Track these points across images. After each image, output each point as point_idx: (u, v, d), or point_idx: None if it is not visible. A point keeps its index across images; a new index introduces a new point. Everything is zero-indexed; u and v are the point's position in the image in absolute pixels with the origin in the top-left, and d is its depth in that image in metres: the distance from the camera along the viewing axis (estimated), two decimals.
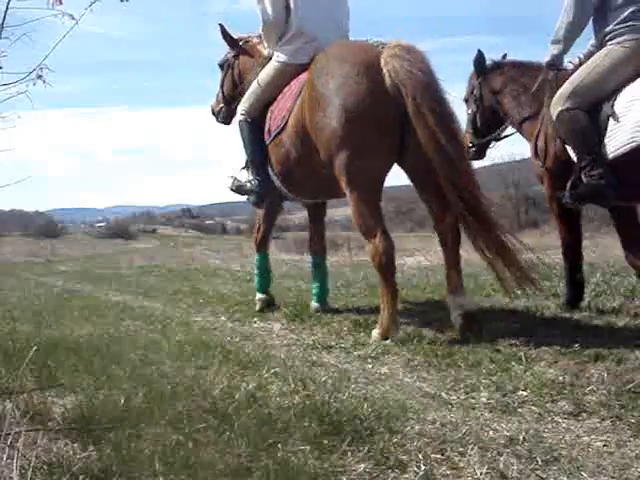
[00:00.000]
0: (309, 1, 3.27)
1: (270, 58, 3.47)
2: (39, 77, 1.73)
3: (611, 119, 2.85)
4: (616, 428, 1.81)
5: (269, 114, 3.35)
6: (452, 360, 2.57)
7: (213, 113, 4.23)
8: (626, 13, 2.91)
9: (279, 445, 1.68)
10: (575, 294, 3.44)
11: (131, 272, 9.21)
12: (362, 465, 1.59)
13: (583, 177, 2.94)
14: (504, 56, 3.79)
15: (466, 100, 3.88)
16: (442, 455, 1.64)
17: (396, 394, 2.19)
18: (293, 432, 1.78)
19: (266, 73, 3.42)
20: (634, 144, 2.73)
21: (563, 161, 3.12)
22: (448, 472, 1.56)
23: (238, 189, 3.67)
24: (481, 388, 2.21)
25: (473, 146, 3.84)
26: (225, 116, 4.15)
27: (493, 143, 3.89)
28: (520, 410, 1.99)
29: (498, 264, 2.67)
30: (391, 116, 2.73)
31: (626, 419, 1.85)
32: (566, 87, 3.03)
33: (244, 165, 3.62)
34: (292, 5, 3.26)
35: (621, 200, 3.02)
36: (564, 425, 1.86)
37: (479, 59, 3.74)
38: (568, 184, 3.03)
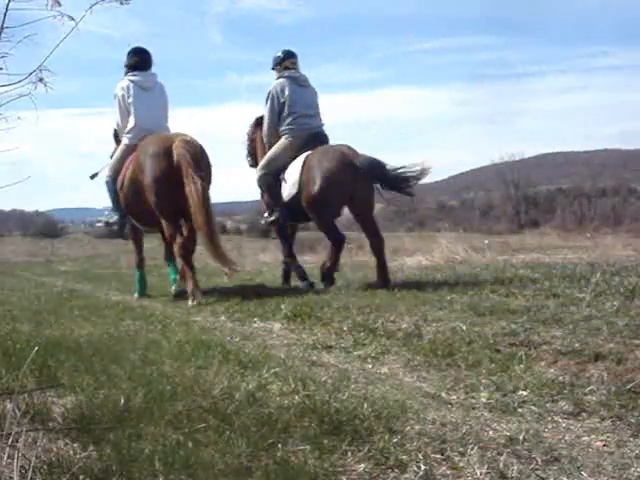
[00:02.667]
0: (142, 107, 5.24)
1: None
2: (40, 80, 1.72)
3: (283, 181, 5.01)
4: (616, 428, 1.81)
5: (120, 175, 5.24)
6: (452, 360, 2.57)
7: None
8: (289, 120, 5.07)
9: (279, 445, 1.68)
10: (286, 280, 5.51)
11: (131, 272, 9.19)
12: (362, 465, 1.59)
13: (272, 210, 5.16)
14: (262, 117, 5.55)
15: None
16: (442, 455, 1.64)
17: (396, 394, 2.19)
18: (293, 432, 1.78)
19: (117, 152, 5.42)
20: (290, 196, 4.92)
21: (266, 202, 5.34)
22: (448, 472, 1.56)
23: (106, 224, 5.59)
24: (481, 388, 2.21)
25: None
26: None
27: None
28: (520, 410, 1.99)
29: (215, 258, 4.63)
30: (176, 180, 4.63)
31: (626, 419, 1.85)
32: (262, 161, 5.24)
33: (110, 207, 5.49)
34: (132, 110, 5.24)
35: (292, 221, 5.34)
36: (564, 425, 1.86)
37: (258, 119, 5.57)
38: (265, 214, 5.36)
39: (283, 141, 5.10)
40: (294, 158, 4.94)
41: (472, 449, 1.66)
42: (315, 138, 5.00)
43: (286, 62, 5.25)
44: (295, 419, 1.87)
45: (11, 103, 1.79)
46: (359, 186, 4.64)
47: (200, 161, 4.72)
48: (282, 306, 4.08)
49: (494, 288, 4.26)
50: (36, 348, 2.21)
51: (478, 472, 1.54)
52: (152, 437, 1.75)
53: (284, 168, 5.02)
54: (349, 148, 4.79)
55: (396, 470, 1.58)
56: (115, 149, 5.60)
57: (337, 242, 4.82)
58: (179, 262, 5.09)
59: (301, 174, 4.78)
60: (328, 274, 4.90)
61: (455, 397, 2.15)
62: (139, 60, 5.32)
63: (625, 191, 55.91)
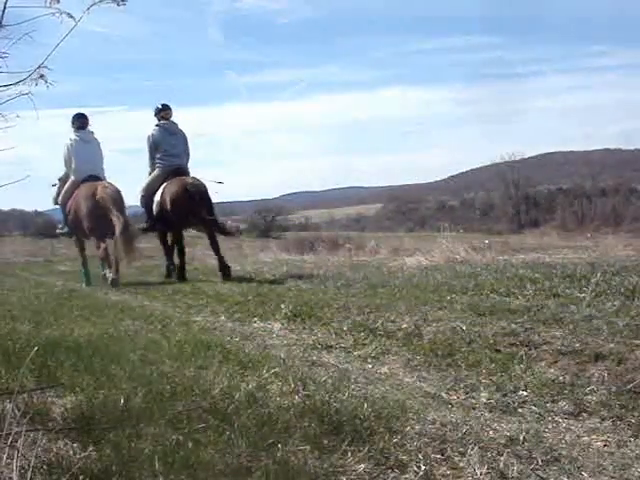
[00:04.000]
0: (83, 155, 7.26)
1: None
2: (41, 76, 1.72)
3: (154, 200, 6.86)
4: (616, 428, 1.81)
5: (68, 203, 7.31)
6: (452, 360, 2.57)
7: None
8: (159, 157, 7.00)
9: (279, 445, 1.68)
10: (174, 273, 7.08)
11: (131, 272, 9.19)
12: (362, 465, 1.59)
13: (147, 221, 7.13)
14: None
15: None
16: (442, 455, 1.64)
17: (396, 394, 2.18)
18: (293, 432, 1.78)
19: (67, 185, 7.41)
20: (156, 212, 6.79)
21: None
22: (448, 472, 1.56)
23: (60, 234, 8.18)
24: (481, 388, 2.21)
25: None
26: None
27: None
28: (520, 410, 1.99)
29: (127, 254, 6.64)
30: (100, 211, 6.67)
31: (626, 419, 1.85)
32: (142, 185, 7.18)
33: (62, 221, 7.71)
34: (74, 157, 7.26)
35: (165, 229, 7.08)
36: (564, 425, 1.86)
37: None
38: (143, 223, 7.29)
39: (155, 172, 7.09)
40: (160, 185, 6.90)
41: (472, 449, 1.66)
42: (177, 171, 6.96)
43: (162, 113, 7.21)
44: (295, 419, 1.87)
45: (11, 102, 1.79)
46: (194, 204, 6.47)
47: (114, 197, 6.84)
48: (282, 306, 4.08)
49: (494, 288, 4.25)
50: (36, 348, 2.21)
51: (478, 472, 1.54)
52: (152, 437, 1.75)
53: (155, 191, 6.95)
54: (194, 179, 6.84)
55: (396, 470, 1.57)
56: (64, 173, 7.61)
57: (179, 245, 7.11)
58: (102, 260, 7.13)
59: (161, 196, 6.82)
60: (180, 271, 6.93)
61: (455, 397, 2.15)
62: (81, 123, 7.51)
63: (625, 191, 55.92)
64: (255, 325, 3.75)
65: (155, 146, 7.03)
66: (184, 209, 6.51)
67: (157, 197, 6.87)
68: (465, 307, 3.62)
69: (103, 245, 6.79)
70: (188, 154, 7.23)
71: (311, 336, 3.28)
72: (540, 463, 1.58)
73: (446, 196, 72.36)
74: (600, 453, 1.65)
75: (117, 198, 6.84)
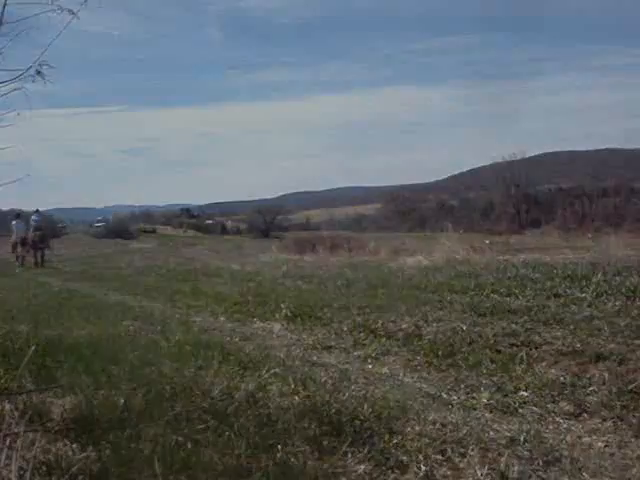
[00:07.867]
0: (17, 227, 15.33)
1: None
2: (38, 73, 1.71)
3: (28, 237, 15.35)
4: (617, 429, 1.80)
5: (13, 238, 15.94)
6: (452, 360, 2.56)
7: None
8: (32, 219, 16.15)
9: (279, 446, 1.68)
10: (21, 264, 14.76)
11: (131, 272, 9.20)
12: (362, 466, 1.59)
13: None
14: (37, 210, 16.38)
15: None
16: (443, 456, 1.64)
17: (396, 394, 2.18)
18: (293, 433, 1.77)
19: (13, 236, 15.76)
20: (30, 241, 15.52)
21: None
22: (449, 473, 1.55)
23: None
24: (482, 388, 2.20)
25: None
26: None
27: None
28: (521, 410, 1.98)
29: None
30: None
31: (627, 420, 1.84)
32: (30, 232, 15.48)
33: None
34: (14, 226, 15.43)
35: (32, 249, 15.12)
36: (565, 426, 1.85)
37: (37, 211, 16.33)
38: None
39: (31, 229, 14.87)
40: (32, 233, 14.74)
41: (473, 450, 1.65)
42: (36, 228, 14.58)
43: (36, 211, 15.69)
44: (295, 420, 1.86)
45: (11, 102, 1.79)
46: (37, 240, 14.50)
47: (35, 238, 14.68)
48: (282, 306, 4.08)
49: (495, 288, 4.25)
50: (33, 347, 2.20)
51: (479, 473, 1.53)
52: (152, 437, 1.74)
53: (26, 234, 14.74)
54: (40, 232, 14.67)
55: (396, 471, 1.57)
56: (18, 223, 15.13)
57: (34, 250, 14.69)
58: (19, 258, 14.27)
59: (31, 237, 14.63)
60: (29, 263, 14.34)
61: (456, 398, 2.15)
62: (17, 213, 15.81)
63: (626, 191, 55.82)
64: (255, 325, 3.74)
65: (31, 218, 14.73)
66: (34, 242, 14.10)
67: (29, 236, 14.37)
68: (465, 307, 3.62)
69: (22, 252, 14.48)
70: (41, 220, 15.14)
71: (311, 336, 3.28)
72: (541, 464, 1.58)
73: (446, 196, 72.24)
74: (601, 454, 1.65)
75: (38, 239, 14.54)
